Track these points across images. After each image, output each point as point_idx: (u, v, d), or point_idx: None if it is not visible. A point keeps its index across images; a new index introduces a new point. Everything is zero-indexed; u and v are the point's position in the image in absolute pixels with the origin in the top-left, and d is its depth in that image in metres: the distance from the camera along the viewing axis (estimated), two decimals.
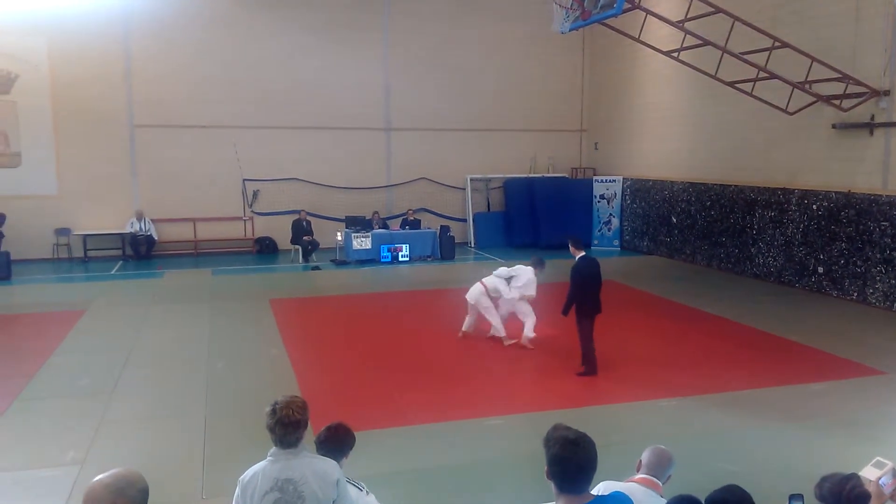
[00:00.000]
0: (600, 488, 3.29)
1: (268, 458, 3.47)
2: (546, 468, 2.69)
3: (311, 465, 3.45)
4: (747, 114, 14.80)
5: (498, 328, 9.99)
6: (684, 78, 16.52)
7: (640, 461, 3.69)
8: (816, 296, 13.19)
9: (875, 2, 12.15)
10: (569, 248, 8.76)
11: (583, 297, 8.51)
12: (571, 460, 2.62)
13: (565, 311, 8.64)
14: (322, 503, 3.39)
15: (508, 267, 10.11)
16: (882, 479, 3.06)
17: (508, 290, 9.82)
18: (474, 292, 10.00)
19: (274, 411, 3.43)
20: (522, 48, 20.77)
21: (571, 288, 8.57)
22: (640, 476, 3.62)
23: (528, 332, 9.76)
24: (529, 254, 18.56)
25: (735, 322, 11.35)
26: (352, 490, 3.66)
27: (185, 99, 18.38)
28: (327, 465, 3.51)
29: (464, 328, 10.30)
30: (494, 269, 10.15)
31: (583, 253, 8.68)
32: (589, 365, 8.62)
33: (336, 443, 3.83)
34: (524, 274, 9.78)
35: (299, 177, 19.40)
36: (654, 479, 3.58)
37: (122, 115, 18.10)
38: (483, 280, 10.02)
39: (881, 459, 3.16)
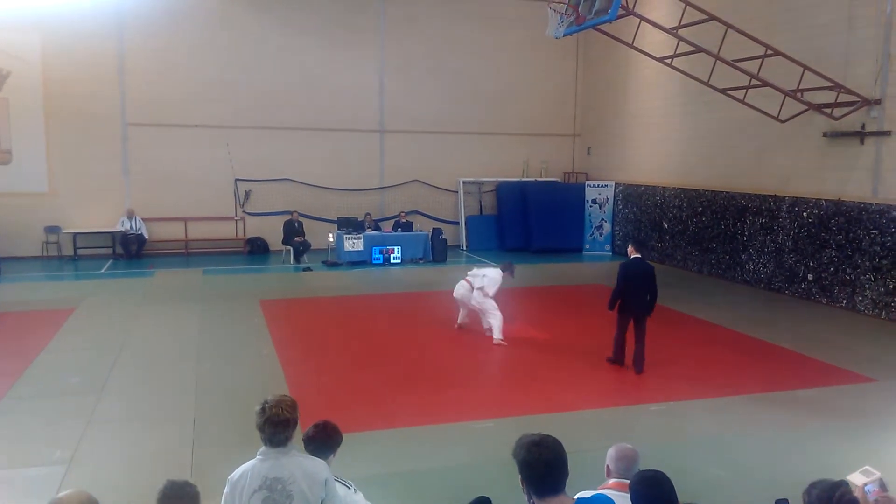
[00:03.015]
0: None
1: (257, 456, 3.48)
2: (520, 478, 2.72)
3: (300, 464, 3.45)
4: (739, 121, 14.87)
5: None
6: (677, 84, 16.59)
7: (608, 466, 3.69)
8: (806, 303, 13.26)
9: (867, 11, 12.26)
10: (627, 249, 9.26)
11: (623, 294, 8.80)
12: (539, 459, 2.71)
13: (610, 306, 8.96)
14: (310, 502, 3.39)
15: (480, 267, 10.94)
16: (868, 486, 3.08)
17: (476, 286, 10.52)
18: (461, 290, 10.68)
19: (263, 410, 3.43)
20: (517, 52, 20.82)
21: (616, 284, 8.92)
22: (612, 481, 3.61)
23: (497, 334, 10.08)
24: (521, 257, 18.84)
25: (724, 328, 11.38)
26: (340, 488, 3.67)
27: (178, 98, 18.31)
28: (316, 464, 3.51)
29: (459, 321, 11.00)
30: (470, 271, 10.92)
31: (638, 255, 9.03)
32: (614, 354, 8.99)
33: (324, 440, 3.84)
34: (491, 273, 10.48)
35: (292, 177, 19.37)
36: (627, 482, 3.58)
37: (114, 114, 18.02)
38: (465, 278, 10.69)
39: (870, 468, 3.17)
